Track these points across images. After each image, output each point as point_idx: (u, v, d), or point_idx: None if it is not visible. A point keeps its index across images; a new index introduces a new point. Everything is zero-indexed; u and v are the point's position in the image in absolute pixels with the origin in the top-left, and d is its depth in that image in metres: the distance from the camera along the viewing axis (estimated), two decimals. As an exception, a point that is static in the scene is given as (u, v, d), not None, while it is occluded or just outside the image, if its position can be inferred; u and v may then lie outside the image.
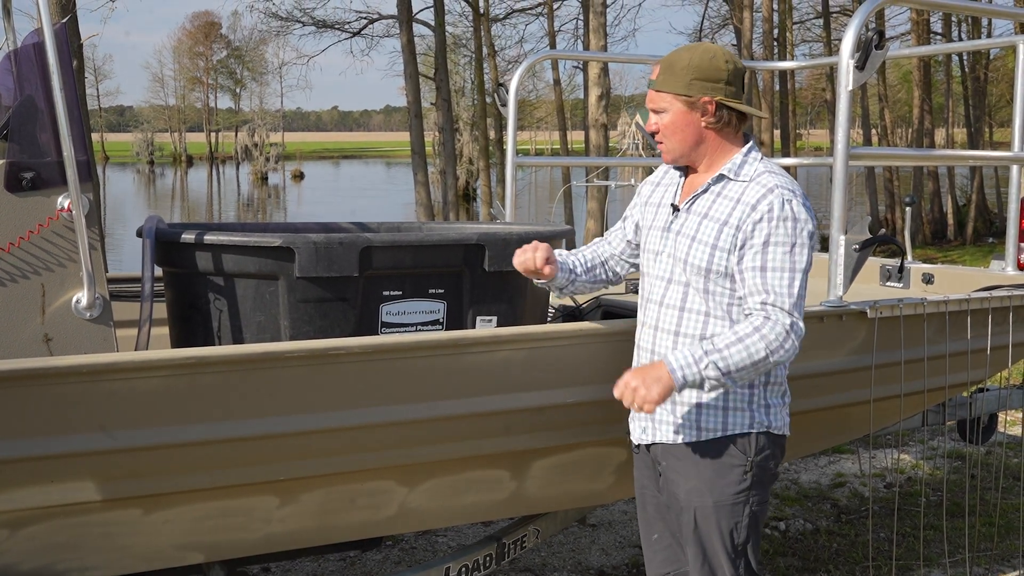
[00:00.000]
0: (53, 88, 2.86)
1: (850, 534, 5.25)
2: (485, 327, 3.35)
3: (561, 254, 3.06)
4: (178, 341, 3.35)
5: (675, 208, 2.86)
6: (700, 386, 2.64)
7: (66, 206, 2.97)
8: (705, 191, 2.80)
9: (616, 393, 2.67)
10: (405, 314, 3.25)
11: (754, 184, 2.73)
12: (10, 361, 2.68)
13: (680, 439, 2.85)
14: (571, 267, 3.05)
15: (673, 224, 2.84)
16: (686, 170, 2.90)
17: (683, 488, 2.83)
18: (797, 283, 2.67)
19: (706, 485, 2.80)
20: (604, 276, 3.15)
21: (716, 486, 2.78)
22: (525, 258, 2.91)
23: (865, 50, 3.45)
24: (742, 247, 2.69)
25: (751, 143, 2.84)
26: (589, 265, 3.11)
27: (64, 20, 2.99)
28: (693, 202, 2.81)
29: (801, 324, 2.67)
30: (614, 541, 5.17)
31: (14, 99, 3.18)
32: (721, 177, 2.78)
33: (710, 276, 2.74)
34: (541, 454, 3.40)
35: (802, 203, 2.72)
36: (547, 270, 2.91)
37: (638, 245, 3.06)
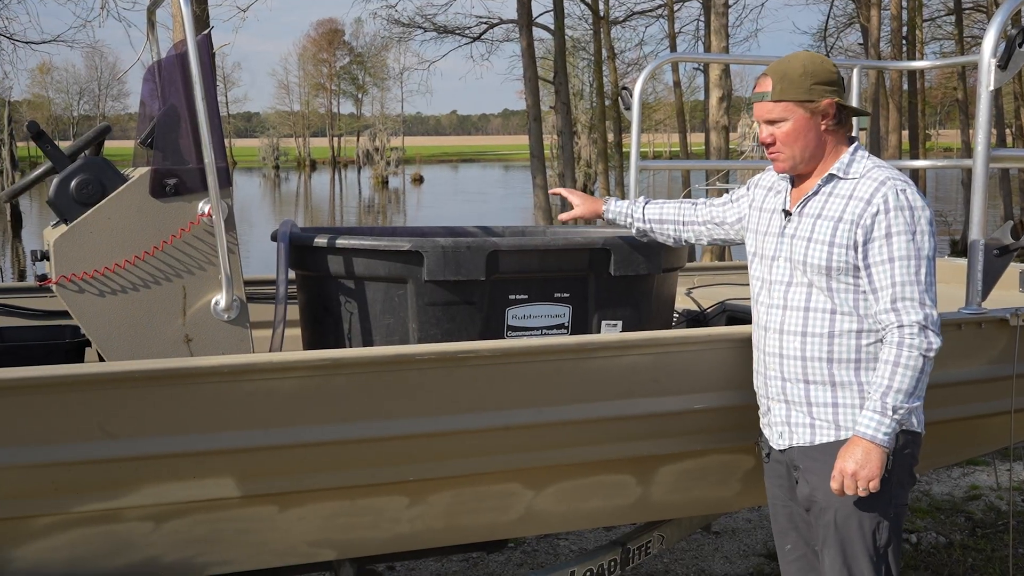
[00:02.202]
0: (196, 98, 2.95)
1: (986, 549, 5.06)
2: (610, 331, 3.35)
3: (629, 203, 3.35)
4: (310, 343, 3.44)
5: (787, 213, 2.90)
6: (900, 427, 2.72)
7: (206, 211, 3.06)
8: (816, 193, 2.85)
9: (835, 487, 2.72)
10: (531, 318, 3.27)
11: (865, 179, 2.78)
12: (155, 361, 2.79)
13: (818, 439, 2.84)
14: (628, 215, 3.33)
15: (787, 228, 2.88)
16: (794, 176, 2.94)
17: (822, 489, 2.80)
18: (924, 270, 2.71)
19: None
20: (671, 234, 3.32)
21: None
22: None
23: (1008, 48, 3.33)
24: (865, 243, 2.73)
25: (857, 143, 2.89)
26: (660, 218, 3.32)
27: (206, 32, 3.09)
28: (804, 205, 2.86)
29: (934, 313, 2.71)
30: (738, 549, 5.10)
31: (158, 108, 3.30)
32: (831, 177, 2.83)
33: (831, 273, 2.77)
34: (667, 460, 3.38)
35: (916, 192, 2.75)
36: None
37: (727, 228, 3.23)
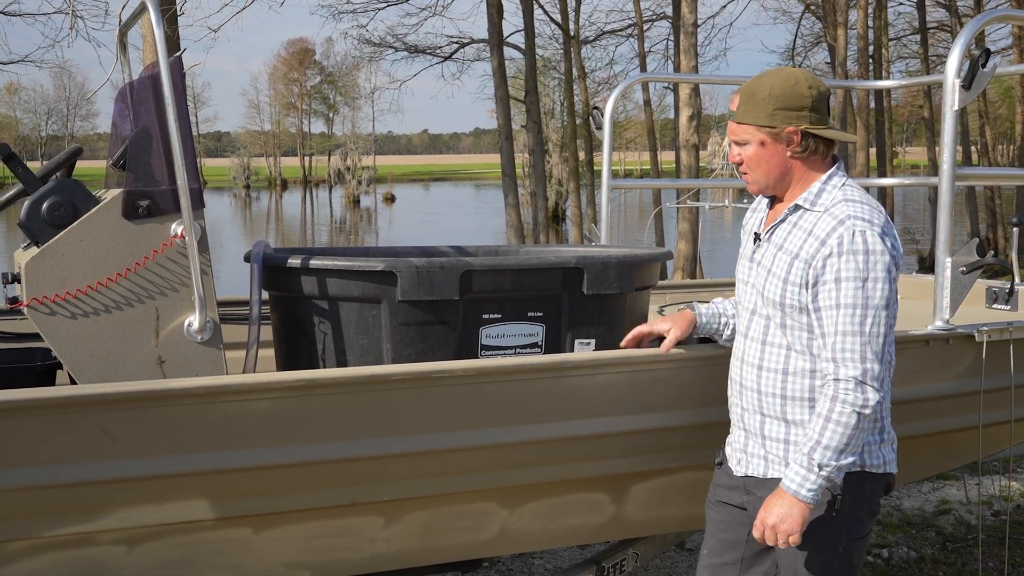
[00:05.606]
0: (168, 119, 2.95)
1: (956, 563, 5.11)
2: (584, 350, 3.36)
3: (717, 303, 3.13)
4: (284, 363, 3.43)
5: (757, 237, 2.83)
6: (829, 481, 2.59)
7: (179, 232, 3.06)
8: (783, 221, 2.73)
9: (756, 535, 2.65)
10: (504, 337, 3.28)
11: (827, 215, 2.62)
12: (128, 384, 2.78)
13: (771, 473, 2.79)
14: (721, 312, 3.11)
15: (755, 253, 2.81)
16: (774, 197, 2.84)
17: None
18: (870, 320, 2.54)
19: None
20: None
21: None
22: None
23: (972, 69, 3.39)
24: (815, 284, 2.60)
25: (834, 168, 2.72)
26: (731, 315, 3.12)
27: (178, 54, 3.09)
28: (773, 232, 2.76)
29: (875, 367, 2.55)
30: (712, 566, 5.11)
31: (130, 130, 3.30)
32: (797, 207, 2.70)
33: (784, 310, 2.68)
34: (641, 477, 3.39)
35: (879, 233, 2.57)
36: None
37: None
